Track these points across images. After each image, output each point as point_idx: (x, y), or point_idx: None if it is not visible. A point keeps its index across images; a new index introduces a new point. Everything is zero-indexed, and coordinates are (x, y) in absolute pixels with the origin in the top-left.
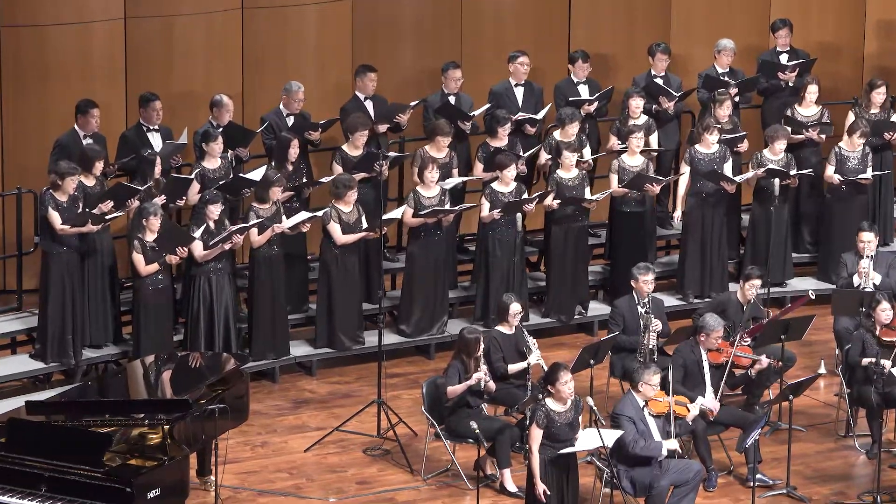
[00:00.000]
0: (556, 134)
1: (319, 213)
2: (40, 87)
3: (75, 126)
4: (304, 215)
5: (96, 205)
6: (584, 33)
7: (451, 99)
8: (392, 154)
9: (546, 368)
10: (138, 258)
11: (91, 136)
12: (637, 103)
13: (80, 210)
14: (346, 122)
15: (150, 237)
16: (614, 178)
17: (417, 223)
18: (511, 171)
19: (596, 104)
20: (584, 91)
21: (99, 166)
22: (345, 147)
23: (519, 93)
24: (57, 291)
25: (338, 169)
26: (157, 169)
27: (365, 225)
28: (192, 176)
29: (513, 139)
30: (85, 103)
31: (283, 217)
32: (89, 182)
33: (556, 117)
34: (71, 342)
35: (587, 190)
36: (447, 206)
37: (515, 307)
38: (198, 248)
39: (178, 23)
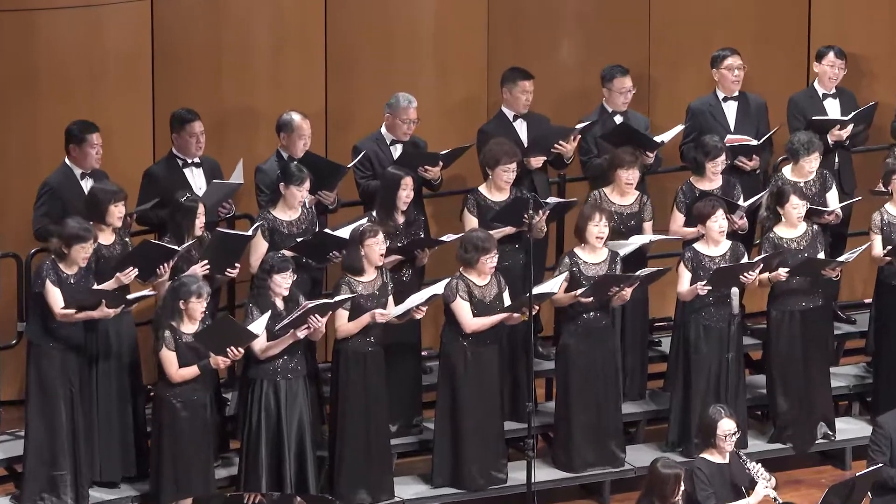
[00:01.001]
0: (787, 170)
1: (439, 288)
2: (27, 100)
3: (66, 160)
4: (421, 296)
5: (113, 274)
6: (830, 24)
7: (619, 120)
8: (552, 200)
9: None
10: (168, 357)
11: (90, 175)
12: None
13: (91, 285)
14: (483, 152)
15: (188, 328)
16: (877, 238)
17: (570, 301)
18: (717, 223)
19: (850, 128)
20: (832, 108)
21: (116, 213)
22: (482, 189)
23: (730, 109)
24: (50, 404)
25: (470, 221)
26: (200, 221)
27: (508, 303)
28: (252, 230)
29: (729, 179)
30: (80, 127)
31: (390, 297)
32: (104, 239)
33: (787, 146)
34: (69, 480)
35: (821, 252)
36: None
37: (727, 425)
38: (259, 341)
39: (231, 6)
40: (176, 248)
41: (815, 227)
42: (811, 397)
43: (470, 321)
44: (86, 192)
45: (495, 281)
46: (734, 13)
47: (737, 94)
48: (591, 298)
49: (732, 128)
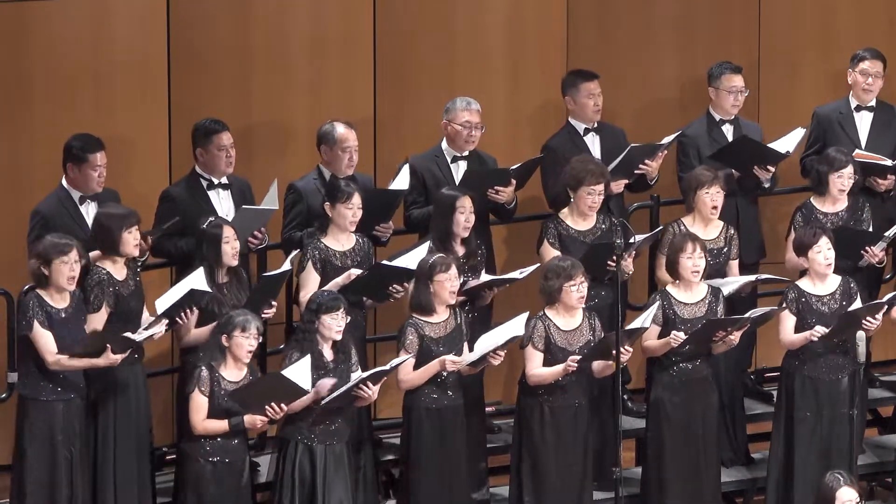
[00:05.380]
0: None
1: (519, 327)
2: (19, 109)
3: (63, 182)
4: (497, 337)
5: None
6: None
7: (728, 129)
8: (638, 239)
9: None
10: (198, 401)
11: (92, 199)
12: None
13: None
14: (567, 170)
15: (231, 372)
16: None
17: (664, 349)
18: (822, 254)
19: None
20: None
21: (132, 240)
22: (564, 215)
23: (863, 120)
24: (44, 469)
25: (550, 255)
26: (231, 248)
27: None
28: (290, 261)
29: (858, 199)
30: (82, 144)
31: (466, 342)
32: (116, 273)
33: None
34: None
35: None
36: (720, 315)
37: (847, 494)
38: (303, 401)
39: None
40: (203, 288)
41: None
42: None
43: (532, 371)
44: (87, 220)
45: (587, 325)
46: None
47: (873, 103)
48: (689, 346)
49: (864, 143)
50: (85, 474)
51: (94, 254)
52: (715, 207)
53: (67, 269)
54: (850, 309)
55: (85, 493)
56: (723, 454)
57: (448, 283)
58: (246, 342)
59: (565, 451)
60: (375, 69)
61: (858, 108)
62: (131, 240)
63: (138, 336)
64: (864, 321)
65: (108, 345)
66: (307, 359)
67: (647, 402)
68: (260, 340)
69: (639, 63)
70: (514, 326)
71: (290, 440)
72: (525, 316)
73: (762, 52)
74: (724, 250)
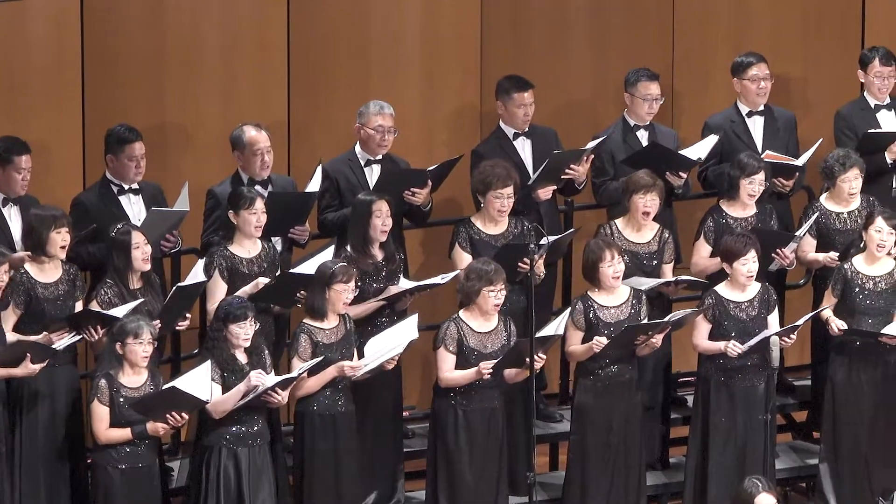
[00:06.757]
0: (823, 199)
1: (412, 331)
2: None
3: None
4: (389, 341)
5: (49, 321)
6: (885, 22)
7: (643, 135)
8: (547, 241)
9: None
10: (99, 412)
11: (15, 202)
12: None
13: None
14: (475, 175)
15: (129, 378)
16: None
17: (584, 353)
18: (748, 266)
19: None
20: (887, 121)
21: (59, 240)
22: (475, 220)
23: (756, 125)
24: None
25: (463, 260)
26: (141, 254)
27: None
28: (202, 271)
29: (766, 207)
30: (7, 145)
31: (354, 348)
32: (44, 275)
33: (820, 167)
34: None
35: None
36: (643, 320)
37: (766, 500)
38: (219, 405)
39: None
40: (114, 315)
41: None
42: (875, 463)
43: (444, 374)
44: (9, 223)
45: (503, 328)
46: (775, 6)
47: (762, 108)
48: (612, 350)
49: (760, 147)
50: (4, 481)
51: (21, 254)
52: (646, 213)
53: None
54: (674, 318)
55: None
56: (648, 458)
57: (345, 294)
58: (140, 348)
59: (480, 454)
60: (289, 73)
61: (750, 114)
62: (59, 240)
63: (58, 345)
64: (643, 336)
65: (27, 354)
66: (207, 365)
67: (571, 406)
68: (154, 345)
69: (553, 67)
70: (406, 330)
71: (214, 446)
72: (415, 318)
73: (676, 56)
74: (657, 254)
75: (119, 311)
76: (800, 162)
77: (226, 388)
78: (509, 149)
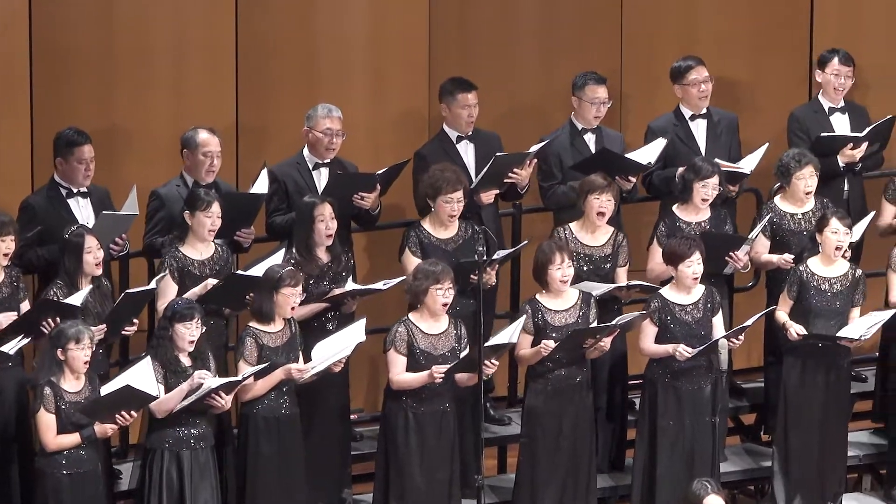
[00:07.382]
0: (777, 199)
1: (359, 334)
2: None
3: None
4: (336, 345)
5: None
6: (834, 22)
7: (590, 138)
8: (500, 254)
9: None
10: (45, 420)
11: None
12: None
13: None
14: (424, 179)
15: (70, 384)
16: (894, 276)
17: (532, 357)
18: (692, 268)
19: (864, 146)
20: (840, 124)
21: (3, 247)
22: (425, 224)
23: (699, 128)
24: None
25: (412, 264)
26: (93, 258)
27: (465, 353)
28: (157, 281)
29: (720, 212)
30: None
31: (299, 351)
32: None
33: (776, 167)
34: None
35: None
36: (592, 324)
37: (714, 502)
38: (162, 404)
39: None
40: (74, 304)
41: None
42: (820, 466)
43: (395, 376)
44: None
45: (453, 330)
46: (724, 10)
47: (705, 111)
48: (560, 354)
49: (703, 150)
50: None
51: None
52: (601, 214)
53: None
54: (623, 321)
55: None
56: (598, 460)
57: (292, 298)
58: (81, 353)
59: (430, 456)
60: (237, 76)
61: (693, 117)
62: (2, 248)
63: (6, 347)
64: (590, 340)
65: None
66: (147, 360)
67: (521, 409)
68: (93, 349)
69: (501, 70)
70: (354, 333)
71: (157, 449)
72: (363, 322)
73: (624, 59)
74: (611, 257)
75: (75, 299)
76: (747, 170)
77: (168, 389)
78: (452, 152)
